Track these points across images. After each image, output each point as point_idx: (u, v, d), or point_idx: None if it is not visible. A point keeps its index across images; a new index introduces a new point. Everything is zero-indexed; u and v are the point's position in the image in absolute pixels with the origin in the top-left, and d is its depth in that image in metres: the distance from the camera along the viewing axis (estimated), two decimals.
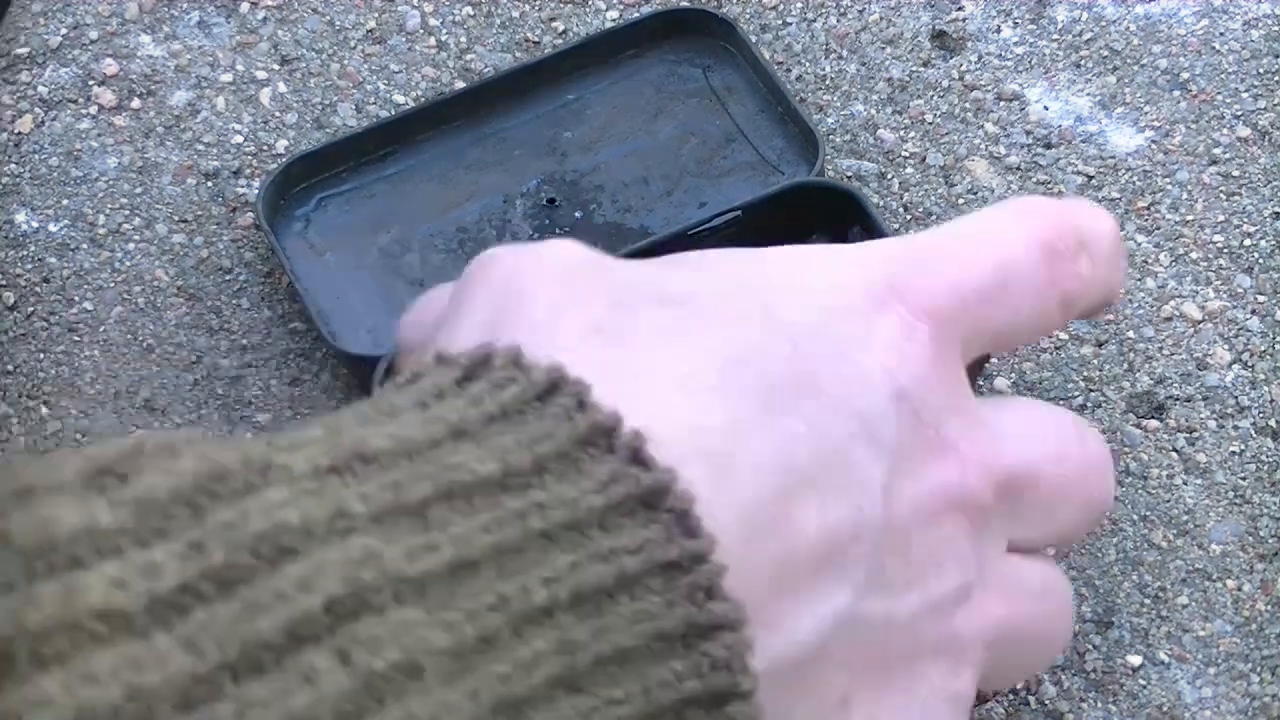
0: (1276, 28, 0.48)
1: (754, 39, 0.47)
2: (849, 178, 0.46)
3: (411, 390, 0.27)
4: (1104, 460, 0.35)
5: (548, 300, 0.29)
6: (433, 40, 0.49)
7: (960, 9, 0.49)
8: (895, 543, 0.29)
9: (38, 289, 0.45)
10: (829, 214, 0.42)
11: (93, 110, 0.48)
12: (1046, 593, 0.34)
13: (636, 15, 0.48)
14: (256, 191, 0.45)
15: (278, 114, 0.48)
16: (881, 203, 0.46)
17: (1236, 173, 0.46)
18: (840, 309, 0.30)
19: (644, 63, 0.47)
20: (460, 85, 0.47)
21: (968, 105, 0.47)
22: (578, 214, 0.45)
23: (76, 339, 0.45)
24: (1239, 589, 0.41)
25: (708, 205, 0.44)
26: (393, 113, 0.47)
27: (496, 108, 0.46)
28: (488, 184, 0.46)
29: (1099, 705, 0.40)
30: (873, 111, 0.47)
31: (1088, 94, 0.47)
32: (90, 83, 0.48)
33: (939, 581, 0.30)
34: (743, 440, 0.27)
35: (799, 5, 0.49)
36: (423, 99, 0.47)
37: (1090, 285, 0.34)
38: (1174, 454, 0.42)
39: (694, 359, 0.28)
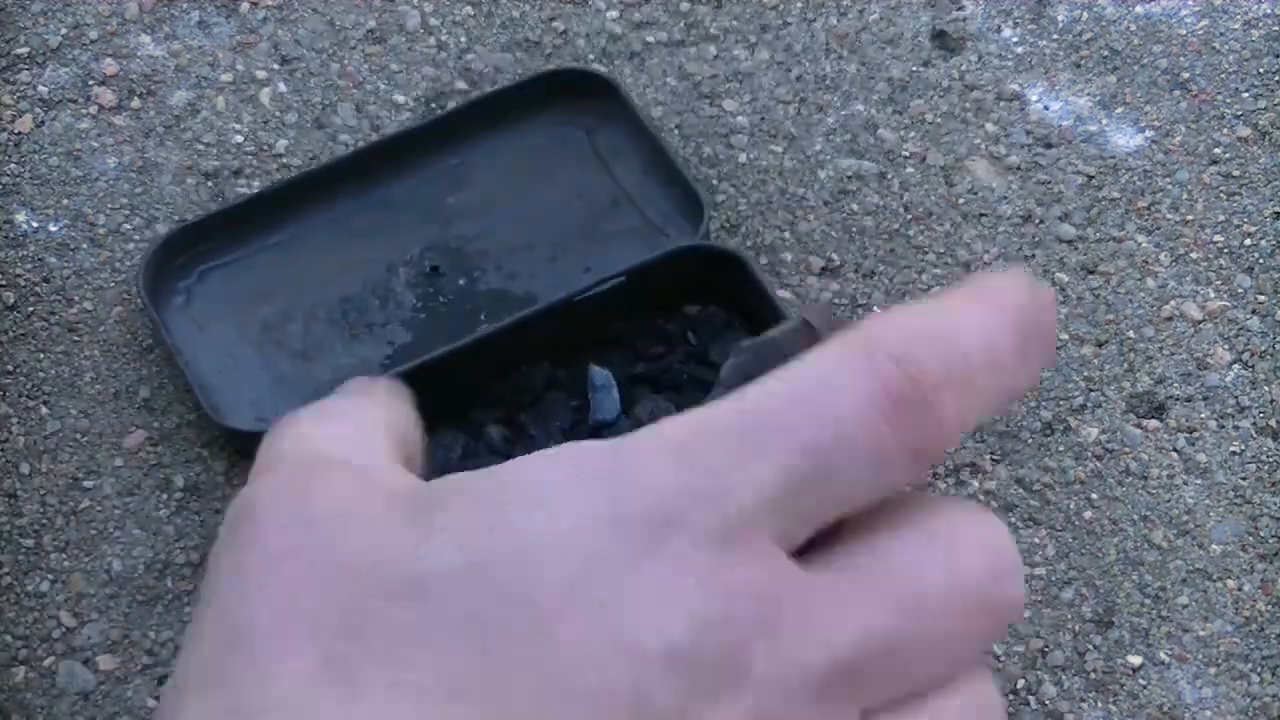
0: (1276, 28, 0.48)
1: (635, 99, 0.46)
2: (849, 177, 0.46)
3: None
4: (999, 575, 0.30)
5: (272, 638, 0.28)
6: (433, 40, 0.48)
7: (960, 9, 0.49)
8: None
9: (38, 289, 0.45)
10: (717, 278, 0.41)
11: (93, 110, 0.48)
12: None
13: (519, 79, 0.47)
14: (137, 266, 0.45)
15: (278, 114, 0.48)
16: (882, 202, 0.46)
17: (1237, 172, 0.46)
18: (598, 558, 0.28)
19: (528, 126, 0.46)
20: (457, 96, 0.47)
21: (968, 105, 0.47)
22: (461, 281, 0.45)
23: (76, 339, 0.45)
24: (1239, 589, 0.41)
25: (593, 270, 0.44)
26: (273, 181, 0.46)
27: (380, 174, 0.46)
28: (372, 252, 0.45)
29: (1099, 705, 0.40)
30: (873, 111, 0.47)
31: (1088, 94, 0.47)
32: (90, 83, 0.48)
33: None
34: None
35: (799, 5, 0.49)
36: (363, 142, 0.47)
37: (952, 428, 0.29)
38: (1174, 454, 0.42)
39: (427, 699, 0.28)
